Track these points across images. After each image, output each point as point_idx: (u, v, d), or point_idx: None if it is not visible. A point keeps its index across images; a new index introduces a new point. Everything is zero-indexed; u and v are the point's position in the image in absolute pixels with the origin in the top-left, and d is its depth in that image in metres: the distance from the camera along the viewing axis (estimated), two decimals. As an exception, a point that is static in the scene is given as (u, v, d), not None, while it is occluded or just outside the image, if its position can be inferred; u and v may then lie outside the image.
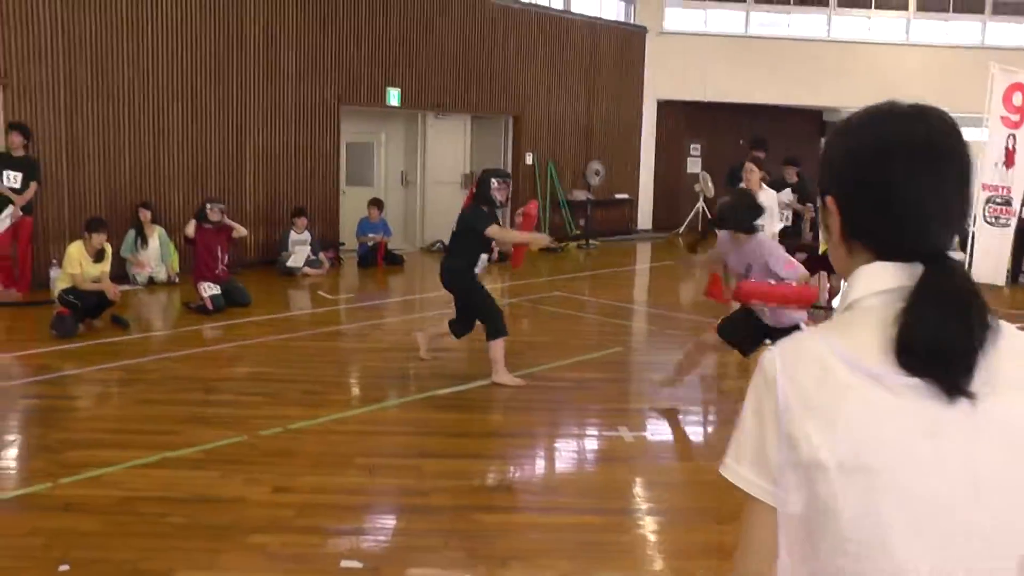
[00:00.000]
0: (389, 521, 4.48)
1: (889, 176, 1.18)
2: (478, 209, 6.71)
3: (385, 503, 4.66)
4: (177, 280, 10.43)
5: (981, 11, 18.93)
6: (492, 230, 6.61)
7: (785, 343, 1.21)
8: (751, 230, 5.64)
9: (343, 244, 12.94)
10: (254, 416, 5.83)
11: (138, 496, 4.51)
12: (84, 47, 10.19)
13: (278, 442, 5.41)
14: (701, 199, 18.47)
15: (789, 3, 18.68)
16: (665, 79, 18.06)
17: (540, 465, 5.36)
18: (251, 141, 11.77)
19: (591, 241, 16.23)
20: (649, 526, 4.46)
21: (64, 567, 3.75)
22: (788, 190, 10.36)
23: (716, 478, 1.30)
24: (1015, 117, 8.75)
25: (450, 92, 14.38)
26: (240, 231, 9.47)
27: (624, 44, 17.67)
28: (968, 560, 1.12)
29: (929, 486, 1.11)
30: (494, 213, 6.80)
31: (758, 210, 5.69)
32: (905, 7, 18.88)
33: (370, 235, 12.55)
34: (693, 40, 18.26)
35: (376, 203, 12.79)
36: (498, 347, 6.70)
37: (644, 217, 18.89)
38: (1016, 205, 8.98)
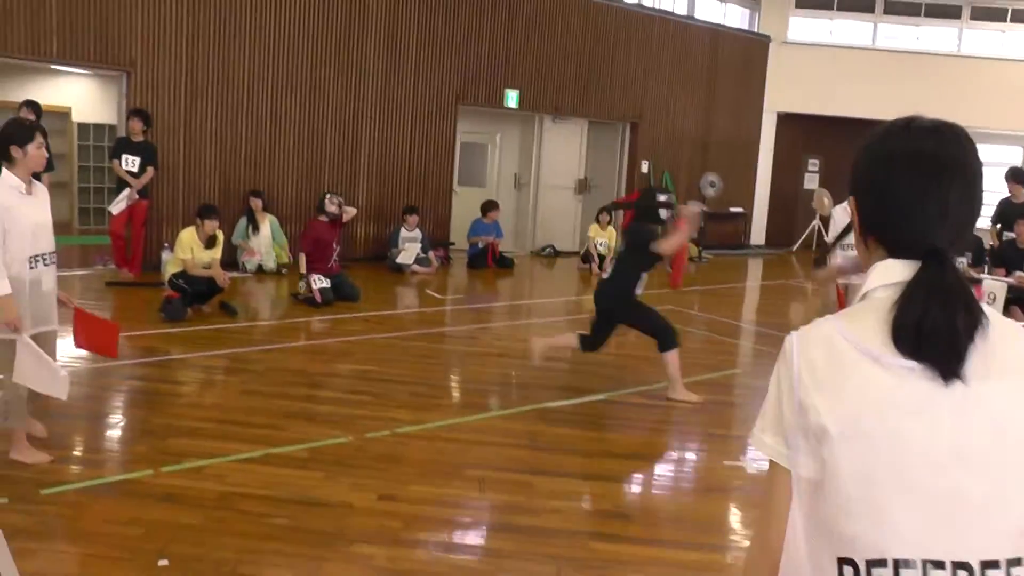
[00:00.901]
0: (500, 542, 4.16)
1: (893, 180, 1.36)
2: (644, 225, 6.43)
3: (496, 521, 4.33)
4: (286, 271, 10.40)
5: None
6: (659, 244, 6.32)
7: (802, 328, 1.37)
8: None
9: (453, 244, 12.76)
10: (360, 416, 5.62)
11: (240, 492, 4.32)
12: (207, 38, 10.27)
13: (384, 446, 5.17)
14: (817, 217, 17.75)
15: (919, 15, 17.78)
16: (786, 91, 17.42)
17: (660, 492, 4.96)
18: (367, 136, 11.70)
19: (704, 254, 15.71)
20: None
21: (163, 562, 3.58)
22: None
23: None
24: None
25: (568, 96, 14.09)
26: (350, 211, 9.34)
27: (746, 53, 17.10)
28: (959, 527, 1.24)
29: (915, 455, 1.24)
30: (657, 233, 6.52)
31: None
32: (1046, 21, 17.78)
33: (482, 236, 12.33)
34: (817, 51, 17.57)
35: (492, 205, 12.57)
36: (673, 360, 6.43)
37: (757, 232, 18.27)
38: None
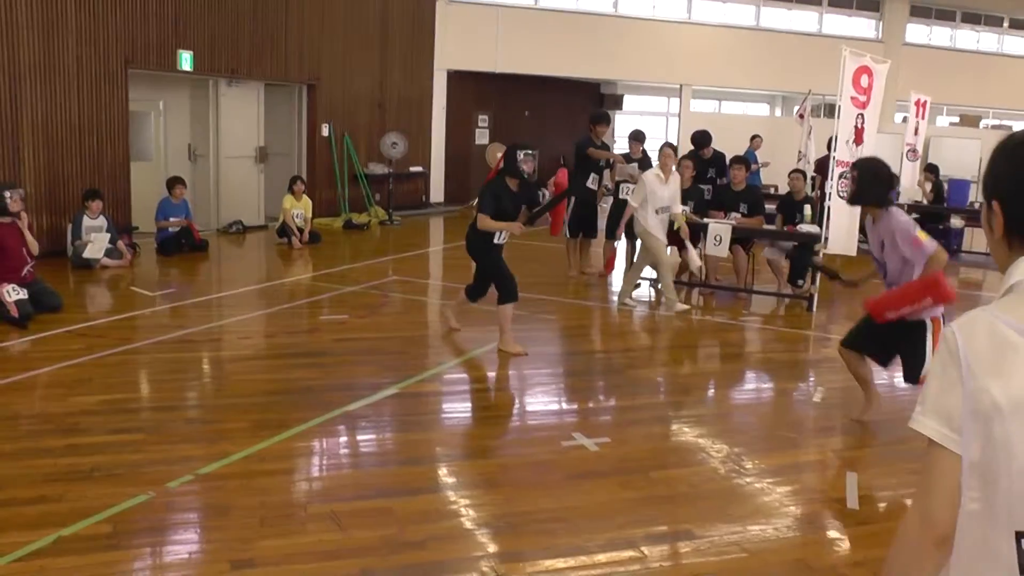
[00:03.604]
0: (403, 592, 3.58)
1: None
2: (492, 185, 6.88)
3: (384, 566, 3.70)
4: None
5: (755, -7, 19.99)
6: (480, 220, 6.74)
7: (959, 321, 1.46)
8: (884, 203, 5.22)
9: (136, 228, 11.19)
10: (147, 462, 4.60)
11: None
12: None
13: (198, 496, 4.27)
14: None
15: (578, -26, 18.64)
16: (455, 49, 17.45)
17: (525, 492, 4.55)
18: (28, 110, 9.73)
19: (394, 217, 15.34)
20: (681, 556, 3.86)
21: None
22: (635, 165, 10.15)
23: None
24: (863, 98, 8.96)
25: (244, 57, 12.87)
26: (33, 245, 7.61)
27: (415, 11, 16.81)
28: None
29: None
30: (527, 185, 6.87)
31: (891, 180, 5.32)
32: (686, -15, 19.48)
33: (171, 218, 10.93)
34: (483, 10, 17.75)
35: (179, 181, 11.17)
36: (506, 313, 6.91)
37: (436, 190, 18.24)
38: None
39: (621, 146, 11.25)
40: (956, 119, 22.13)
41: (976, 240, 14.25)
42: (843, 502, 4.46)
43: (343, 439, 5.16)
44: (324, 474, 4.67)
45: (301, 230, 12.24)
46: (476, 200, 7.05)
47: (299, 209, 12.37)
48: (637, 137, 10.35)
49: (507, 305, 6.90)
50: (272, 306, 8.44)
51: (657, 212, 8.51)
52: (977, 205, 13.69)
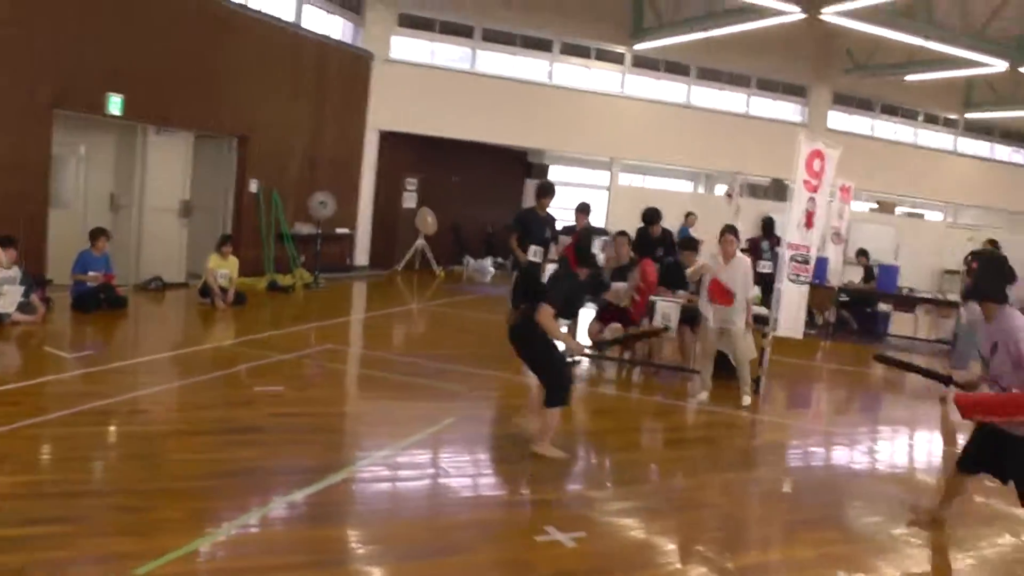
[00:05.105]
0: None
1: None
2: (563, 275, 6.21)
3: None
4: None
5: (686, 74, 20.38)
6: (541, 312, 5.95)
7: None
8: (1002, 299, 4.82)
9: (51, 281, 10.42)
10: (74, 558, 4.04)
11: None
12: None
13: (136, 603, 3.74)
14: (421, 236, 17.78)
15: (515, 44, 18.68)
16: (389, 109, 17.25)
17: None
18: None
19: (319, 279, 14.81)
20: None
21: None
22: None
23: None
24: (815, 181, 9.00)
25: (177, 105, 12.33)
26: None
27: (351, 69, 16.58)
28: None
29: None
30: (599, 275, 6.59)
31: (1012, 276, 4.88)
32: (621, 62, 19.73)
33: (92, 271, 10.22)
34: (419, 72, 17.63)
35: (102, 232, 10.47)
36: (554, 417, 6.19)
37: (361, 252, 17.80)
38: (812, 264, 9.26)
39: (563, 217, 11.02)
40: (875, 205, 22.88)
41: (901, 324, 14.54)
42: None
43: (294, 533, 4.67)
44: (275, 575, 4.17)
45: (225, 291, 11.64)
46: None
47: (225, 270, 11.79)
48: (583, 209, 10.22)
49: (555, 410, 6.16)
50: (201, 374, 7.84)
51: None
52: (906, 291, 13.97)
